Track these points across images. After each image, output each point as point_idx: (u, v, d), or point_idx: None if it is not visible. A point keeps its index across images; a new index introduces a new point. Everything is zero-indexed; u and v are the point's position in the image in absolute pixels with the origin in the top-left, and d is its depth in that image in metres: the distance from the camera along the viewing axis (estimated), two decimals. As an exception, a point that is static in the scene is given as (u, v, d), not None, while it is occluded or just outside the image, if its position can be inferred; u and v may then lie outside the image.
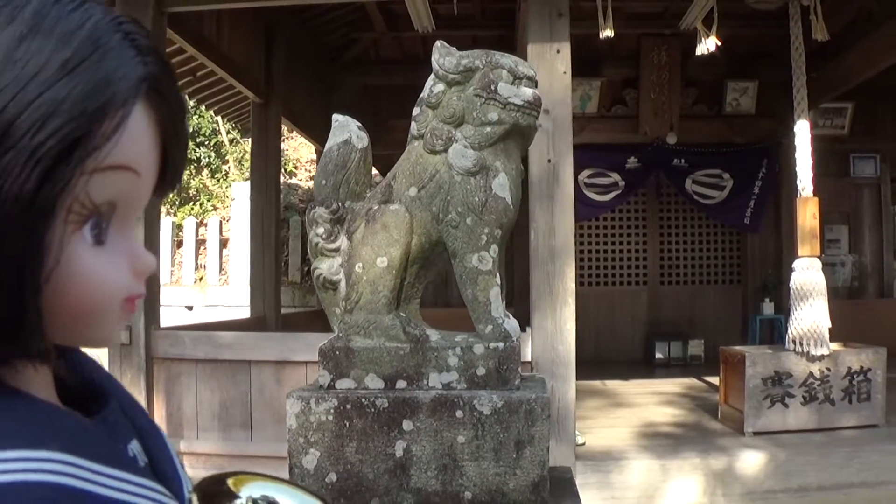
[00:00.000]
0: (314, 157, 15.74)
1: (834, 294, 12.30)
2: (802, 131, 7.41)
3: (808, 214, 7.27)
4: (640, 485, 6.39)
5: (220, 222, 15.89)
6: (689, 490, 6.39)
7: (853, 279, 13.18)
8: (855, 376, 7.23)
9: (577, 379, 10.57)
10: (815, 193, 7.34)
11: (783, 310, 12.19)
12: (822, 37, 7.40)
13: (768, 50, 12.40)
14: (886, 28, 9.18)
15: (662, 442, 7.07)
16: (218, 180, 18.02)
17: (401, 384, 3.26)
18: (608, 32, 6.86)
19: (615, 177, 12.23)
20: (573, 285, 6.35)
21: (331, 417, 3.19)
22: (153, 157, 0.77)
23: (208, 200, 17.23)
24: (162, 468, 0.87)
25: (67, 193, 0.68)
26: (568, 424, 6.27)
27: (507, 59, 3.33)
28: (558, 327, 6.25)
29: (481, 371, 3.24)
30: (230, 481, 1.11)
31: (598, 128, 12.23)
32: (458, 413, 3.14)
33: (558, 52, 6.38)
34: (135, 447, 0.86)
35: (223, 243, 15.78)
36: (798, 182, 7.40)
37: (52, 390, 0.79)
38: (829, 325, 7.18)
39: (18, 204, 0.64)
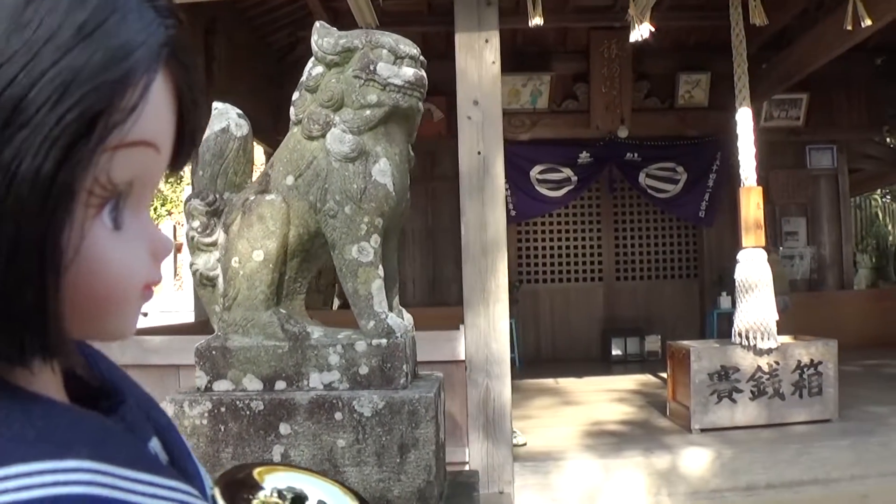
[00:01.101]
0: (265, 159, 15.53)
1: (793, 286, 12.25)
2: (744, 121, 7.28)
3: (751, 205, 7.12)
4: (581, 486, 6.20)
5: (175, 227, 15.70)
6: (631, 490, 6.21)
7: (812, 271, 13.06)
8: (805, 370, 7.06)
9: (531, 378, 10.54)
10: (758, 183, 7.18)
11: (740, 303, 12.13)
12: (760, 21, 7.24)
13: (721, 41, 12.25)
14: (835, 16, 9.03)
15: (607, 441, 6.89)
16: (172, 184, 17.80)
17: (280, 385, 3.07)
18: (537, 20, 6.66)
19: (567, 172, 12.08)
20: (506, 281, 6.15)
21: (205, 421, 3.01)
22: (171, 129, 0.70)
23: (162, 205, 17.01)
24: (182, 465, 0.82)
25: (88, 174, 0.61)
26: (504, 425, 6.08)
27: (388, 38, 3.16)
28: (492, 325, 6.04)
29: (364, 370, 3.06)
30: (254, 472, 1.13)
31: (549, 123, 12.13)
32: (338, 415, 2.95)
33: (487, 41, 6.20)
34: (155, 445, 0.80)
35: (177, 248, 15.57)
36: (741, 172, 7.23)
37: (63, 391, 0.73)
38: (777, 317, 7.00)
39: (36, 187, 0.58)
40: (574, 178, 12.10)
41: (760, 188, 7.25)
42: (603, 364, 11.98)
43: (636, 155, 12.10)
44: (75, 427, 0.65)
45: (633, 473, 6.27)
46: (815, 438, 6.64)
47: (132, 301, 0.70)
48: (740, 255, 7.13)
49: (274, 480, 1.15)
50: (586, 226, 13.15)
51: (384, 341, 3.07)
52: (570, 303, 12.96)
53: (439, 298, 12.28)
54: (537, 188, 12.04)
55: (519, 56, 12.06)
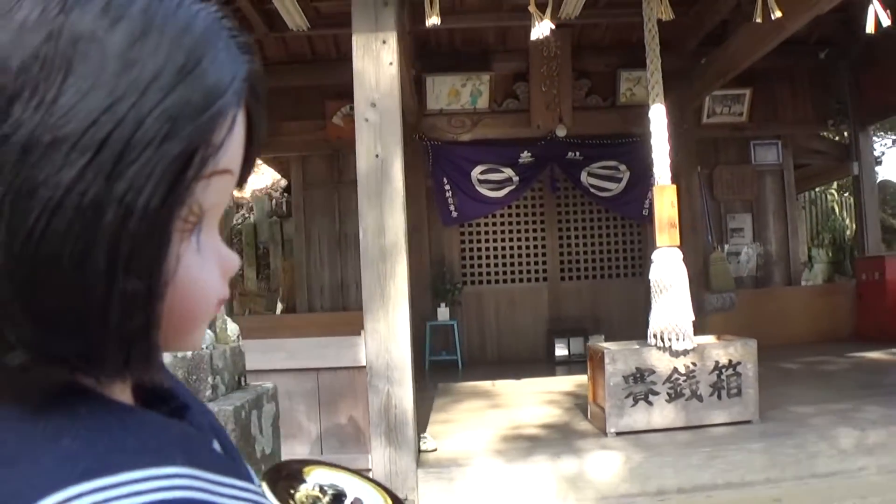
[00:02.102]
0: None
1: (739, 283, 12.19)
2: (657, 118, 7.17)
3: (665, 203, 7.02)
4: (485, 492, 6.09)
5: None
6: (538, 496, 6.11)
7: (758, 268, 12.99)
8: (723, 370, 6.96)
9: (472, 380, 10.45)
10: (673, 181, 7.08)
11: (687, 302, 12.04)
12: (665, 17, 7.12)
13: (663, 38, 12.19)
14: (766, 11, 8.96)
15: (521, 445, 6.78)
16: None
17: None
18: (434, 20, 6.55)
19: (509, 172, 12.03)
20: (406, 286, 6.04)
21: None
22: (242, 154, 0.74)
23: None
24: (239, 466, 0.83)
25: (185, 204, 0.66)
26: (406, 431, 5.99)
27: None
28: (392, 331, 5.96)
29: (168, 383, 2.91)
30: (299, 468, 1.21)
31: (490, 123, 12.07)
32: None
33: (384, 42, 6.11)
34: (217, 448, 0.81)
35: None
36: (655, 170, 7.12)
37: (132, 398, 0.77)
38: (693, 317, 6.91)
39: (146, 219, 0.62)
40: (515, 179, 12.05)
41: (674, 186, 7.15)
42: (547, 365, 11.91)
43: (578, 154, 12.03)
44: (167, 435, 0.69)
45: (540, 479, 6.17)
46: (730, 441, 6.54)
47: (209, 316, 0.75)
48: (654, 255, 7.06)
49: (317, 476, 1.22)
50: (530, 226, 13.07)
51: (189, 353, 2.95)
52: (515, 303, 12.89)
53: (348, 303, 12.19)
54: (478, 189, 11.97)
55: (458, 56, 11.97)
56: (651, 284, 7.02)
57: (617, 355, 6.91)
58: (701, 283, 12.22)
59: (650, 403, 6.88)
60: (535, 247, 13.06)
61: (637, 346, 7.15)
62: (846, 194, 18.60)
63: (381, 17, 6.13)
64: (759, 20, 7.45)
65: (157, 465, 0.63)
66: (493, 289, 12.88)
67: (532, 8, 6.87)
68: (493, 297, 12.80)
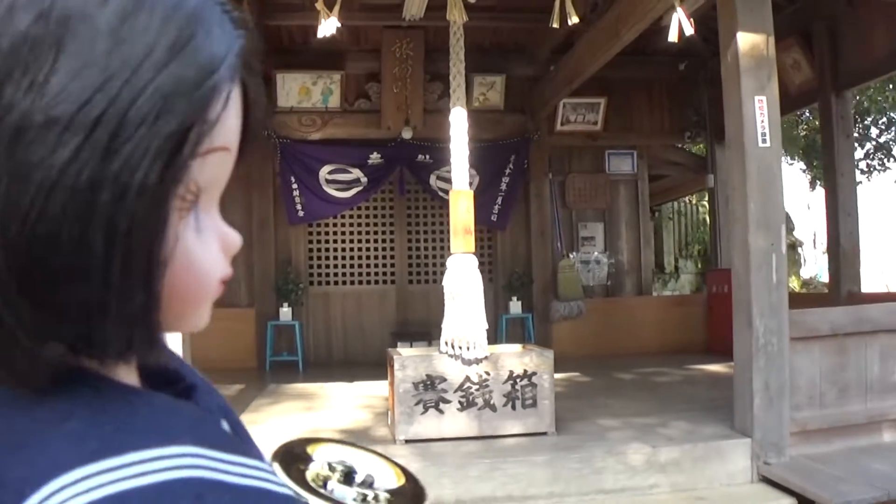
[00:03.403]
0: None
1: (589, 292, 12.18)
2: (458, 122, 7.07)
3: (460, 209, 6.92)
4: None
5: None
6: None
7: (609, 277, 12.98)
8: (518, 381, 6.87)
9: (307, 381, 10.29)
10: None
11: (534, 308, 12.00)
12: (458, 20, 7.04)
13: (518, 44, 12.19)
14: (606, 19, 8.97)
15: (304, 451, 6.58)
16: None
17: None
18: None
19: (357, 173, 11.89)
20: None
21: None
22: (239, 129, 0.74)
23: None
24: (248, 445, 0.81)
25: (182, 182, 0.65)
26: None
27: None
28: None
29: None
30: (307, 447, 1.23)
31: (340, 122, 11.99)
32: None
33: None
34: (225, 427, 0.80)
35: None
36: (452, 175, 7.03)
37: (138, 379, 0.76)
38: (486, 325, 6.81)
39: (143, 197, 0.61)
40: (364, 180, 11.91)
41: (471, 192, 7.05)
42: (388, 368, 11.67)
43: (428, 157, 11.94)
44: (175, 415, 0.69)
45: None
46: (517, 453, 6.46)
47: (211, 296, 0.74)
48: (448, 262, 6.94)
49: (323, 453, 1.22)
50: (379, 228, 12.95)
51: None
52: (362, 305, 12.75)
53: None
54: (326, 189, 11.82)
55: (312, 54, 11.82)
56: (444, 291, 6.87)
57: (407, 362, 6.80)
58: (549, 290, 12.21)
59: (441, 412, 6.77)
60: (384, 249, 12.94)
61: (429, 353, 7.00)
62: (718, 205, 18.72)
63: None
64: (555, 25, 7.34)
65: (164, 444, 0.63)
66: (340, 290, 12.74)
67: (320, 5, 6.70)
68: (340, 299, 12.66)
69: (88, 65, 0.60)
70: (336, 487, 1.20)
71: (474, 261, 6.90)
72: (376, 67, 11.87)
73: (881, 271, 24.49)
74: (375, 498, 1.22)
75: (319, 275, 12.63)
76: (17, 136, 0.59)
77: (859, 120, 16.80)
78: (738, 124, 6.55)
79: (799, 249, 17.99)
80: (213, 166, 0.70)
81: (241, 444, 0.75)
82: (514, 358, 6.94)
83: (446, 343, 6.81)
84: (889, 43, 9.54)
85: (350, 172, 11.87)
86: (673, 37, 6.89)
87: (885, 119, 16.62)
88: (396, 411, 6.73)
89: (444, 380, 6.78)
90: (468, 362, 6.79)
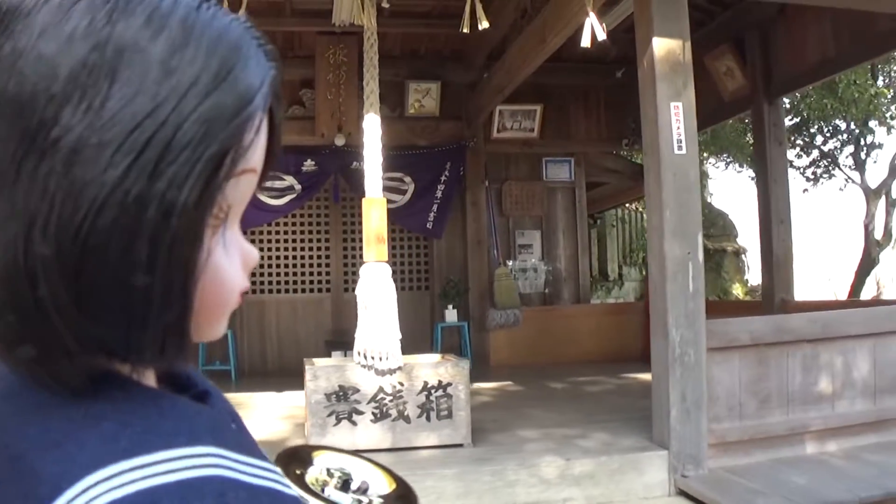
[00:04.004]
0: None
1: (526, 300, 12.09)
2: (371, 129, 6.94)
3: (373, 217, 6.82)
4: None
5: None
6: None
7: (546, 285, 12.90)
8: (433, 392, 6.74)
9: (240, 391, 10.13)
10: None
11: (470, 317, 11.89)
12: (369, 24, 6.94)
13: (452, 50, 12.10)
14: (534, 25, 8.90)
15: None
16: None
17: None
18: None
19: (290, 180, 11.74)
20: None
21: None
22: (264, 153, 0.79)
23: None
24: (256, 448, 0.83)
25: (217, 202, 0.70)
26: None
27: None
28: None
29: None
30: (307, 452, 1.34)
31: (274, 129, 11.70)
32: None
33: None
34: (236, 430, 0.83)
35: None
36: (365, 183, 6.91)
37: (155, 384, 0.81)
38: (400, 335, 6.69)
39: (185, 216, 0.66)
40: (298, 187, 11.76)
41: (384, 199, 6.96)
42: (323, 377, 11.56)
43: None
44: (197, 417, 0.73)
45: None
46: (429, 465, 6.34)
47: (232, 307, 0.79)
48: (361, 270, 6.81)
49: (324, 460, 1.28)
50: (314, 235, 12.84)
51: None
52: (298, 314, 12.63)
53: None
54: (258, 196, 11.51)
55: (246, 59, 11.66)
56: (357, 300, 6.74)
57: (319, 372, 6.67)
58: (486, 298, 12.11)
59: (354, 423, 6.65)
60: (319, 257, 12.82)
61: (342, 364, 6.86)
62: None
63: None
64: (465, 30, 7.25)
65: (189, 444, 0.67)
66: (274, 298, 12.59)
67: (241, 10, 6.55)
68: (275, 307, 12.51)
69: (140, 92, 0.64)
70: (333, 493, 1.28)
71: (388, 270, 6.79)
72: (311, 74, 11.73)
73: (828, 278, 24.64)
74: (370, 503, 1.29)
75: (254, 283, 12.44)
76: (73, 155, 0.63)
77: (805, 128, 16.83)
78: (653, 131, 6.47)
79: (743, 256, 18.00)
80: (243, 187, 0.75)
81: (251, 445, 0.80)
82: (429, 368, 6.83)
83: (359, 353, 6.67)
84: (820, 50, 9.53)
85: (283, 180, 11.72)
86: (586, 42, 6.82)
87: (829, 127, 16.62)
88: (309, 423, 6.61)
89: (358, 390, 6.65)
90: (382, 373, 6.67)
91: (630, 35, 8.68)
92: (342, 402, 6.63)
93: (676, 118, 6.40)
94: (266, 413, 8.76)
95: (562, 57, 10.72)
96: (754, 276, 20.67)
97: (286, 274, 12.70)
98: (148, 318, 0.67)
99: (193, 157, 0.66)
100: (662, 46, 6.46)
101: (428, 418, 6.75)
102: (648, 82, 6.57)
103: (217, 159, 0.67)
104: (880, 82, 15.72)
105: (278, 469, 0.80)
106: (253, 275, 12.13)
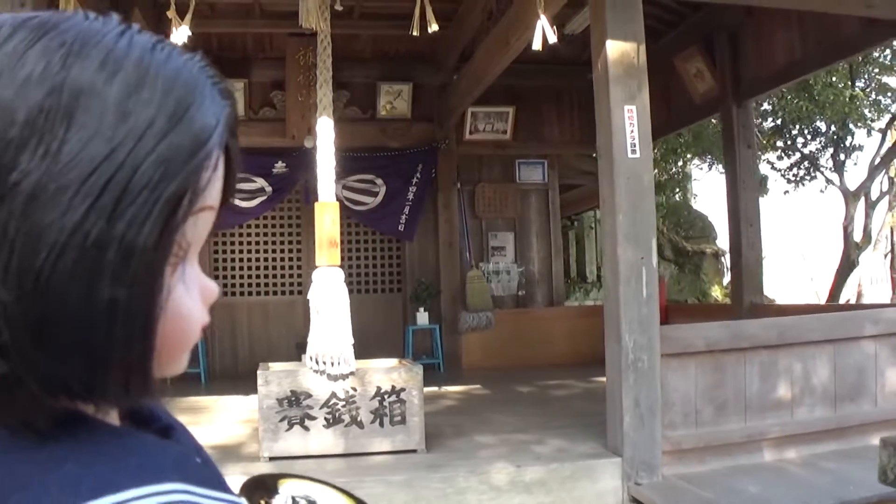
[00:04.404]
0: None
1: (501, 303, 12.04)
2: (324, 132, 6.90)
3: (325, 221, 6.75)
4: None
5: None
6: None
7: (520, 287, 12.85)
8: (386, 397, 6.68)
9: (210, 394, 10.07)
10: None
11: (442, 319, 11.84)
12: (319, 26, 6.91)
13: (424, 52, 12.05)
14: (499, 27, 8.86)
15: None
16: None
17: None
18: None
19: (261, 182, 11.70)
20: None
21: None
22: (222, 189, 0.79)
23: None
24: (221, 481, 0.81)
25: (176, 241, 0.70)
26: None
27: None
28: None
29: None
30: (272, 480, 1.31)
31: (245, 131, 11.60)
32: None
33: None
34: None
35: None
36: (318, 186, 6.87)
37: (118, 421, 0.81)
38: (352, 340, 6.64)
39: (144, 256, 0.66)
40: (268, 189, 11.73)
41: (336, 203, 6.89)
42: (293, 380, 11.52)
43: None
44: (163, 454, 0.73)
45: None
46: (379, 471, 6.29)
47: (194, 342, 0.78)
48: (314, 275, 6.76)
49: (290, 488, 1.25)
50: (285, 237, 12.79)
51: None
52: (269, 317, 12.59)
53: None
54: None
55: (217, 62, 11.55)
56: (310, 305, 6.69)
57: (270, 377, 6.61)
58: (458, 300, 12.07)
59: (307, 428, 6.59)
60: (291, 259, 12.77)
61: (295, 368, 6.81)
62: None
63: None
64: (415, 33, 7.21)
65: (156, 482, 0.66)
66: (246, 300, 12.54)
67: (171, 13, 6.51)
68: (247, 310, 12.45)
69: (97, 135, 0.64)
70: None
71: (340, 274, 6.74)
72: (281, 76, 11.71)
73: (811, 280, 24.66)
74: None
75: (225, 286, 12.39)
76: (32, 199, 0.63)
77: (787, 131, 16.79)
78: (607, 135, 6.45)
79: (722, 258, 17.93)
80: (201, 224, 0.75)
81: (216, 478, 0.79)
82: (382, 374, 6.78)
83: (312, 358, 6.62)
84: (788, 53, 9.49)
85: (254, 182, 11.68)
86: (537, 45, 6.79)
87: (810, 130, 16.57)
88: (261, 427, 6.55)
89: (310, 395, 6.59)
90: (334, 378, 6.61)
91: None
92: (294, 408, 6.57)
93: (630, 122, 6.36)
94: (229, 417, 8.70)
95: (534, 59, 10.67)
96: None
97: (258, 276, 12.64)
98: (110, 359, 0.67)
99: (152, 198, 0.66)
100: (616, 49, 6.41)
101: (381, 424, 6.70)
102: (602, 85, 6.55)
103: (175, 199, 0.68)
104: (861, 84, 15.69)
105: (243, 501, 0.83)
106: (225, 277, 12.20)
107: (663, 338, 6.42)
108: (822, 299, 19.87)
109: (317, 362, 6.60)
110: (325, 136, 6.94)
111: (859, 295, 19.47)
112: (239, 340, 12.34)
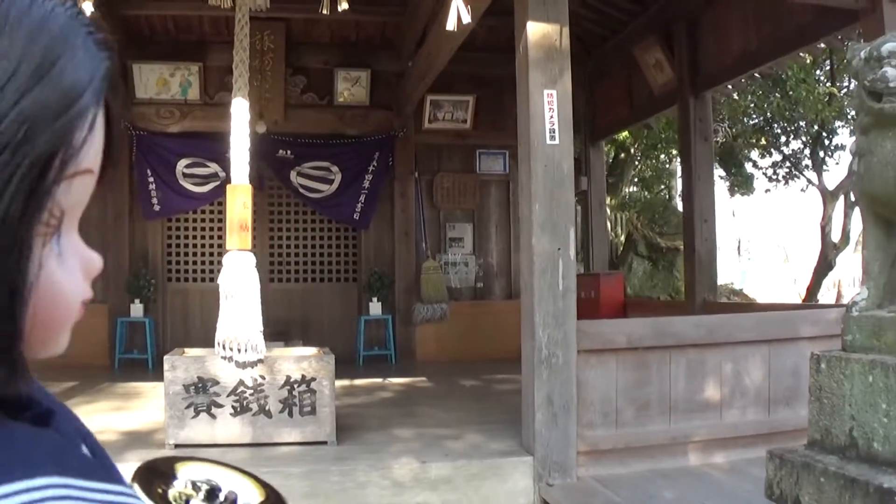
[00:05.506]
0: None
1: (455, 294, 11.87)
2: (239, 114, 6.75)
3: (236, 204, 6.59)
4: None
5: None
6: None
7: (477, 279, 12.66)
8: (295, 386, 6.52)
9: (155, 381, 9.87)
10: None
11: (396, 310, 11.67)
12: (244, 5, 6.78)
13: (382, 38, 11.88)
14: (444, 13, 8.67)
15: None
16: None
17: None
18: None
19: (215, 167, 11.56)
20: None
21: None
22: (101, 151, 0.72)
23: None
24: (108, 468, 0.77)
25: (46, 208, 0.64)
26: None
27: None
28: None
29: None
30: (168, 464, 1.19)
31: (200, 115, 11.74)
32: None
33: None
34: (86, 453, 0.76)
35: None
36: (231, 169, 6.71)
37: None
38: (262, 327, 6.48)
39: (7, 227, 0.60)
40: (222, 174, 11.55)
41: (249, 186, 6.73)
42: (241, 367, 11.38)
43: (289, 152, 11.65)
44: (37, 445, 0.66)
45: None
46: (278, 463, 6.09)
47: (73, 320, 0.72)
48: (224, 259, 6.59)
49: (188, 472, 1.18)
50: (240, 223, 12.49)
51: None
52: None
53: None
54: (182, 183, 11.51)
55: (171, 44, 11.52)
56: (220, 290, 6.51)
57: (177, 362, 6.48)
58: (413, 291, 11.90)
59: (213, 416, 6.43)
60: (245, 245, 12.51)
61: (203, 355, 6.64)
62: (624, 211, 18.49)
63: None
64: (325, 11, 7.06)
65: (28, 476, 0.61)
66: (199, 287, 12.32)
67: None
68: (199, 296, 12.19)
69: None
70: None
71: (251, 259, 6.58)
72: (238, 60, 11.51)
73: (794, 280, 24.45)
74: None
75: (178, 271, 12.28)
76: None
77: (769, 128, 16.58)
78: (525, 120, 6.24)
79: (696, 255, 17.72)
80: (77, 190, 0.68)
81: (103, 468, 0.73)
82: (292, 362, 6.62)
83: (219, 344, 6.44)
84: (743, 43, 9.27)
85: (208, 167, 11.56)
86: (451, 25, 6.58)
87: (792, 128, 16.36)
88: (167, 414, 6.41)
89: (217, 383, 6.45)
90: (242, 365, 6.45)
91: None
92: (201, 395, 6.42)
93: (550, 107, 6.16)
94: (158, 403, 8.50)
95: (495, 46, 10.50)
96: (726, 275, 20.54)
97: (210, 262, 12.41)
98: None
99: (14, 160, 0.60)
100: (537, 31, 6.21)
101: (290, 414, 6.54)
102: (522, 68, 6.35)
103: (42, 162, 0.62)
104: (845, 82, 15.45)
105: (133, 492, 0.77)
106: (177, 263, 12.03)
107: (582, 333, 6.21)
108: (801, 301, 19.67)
109: (224, 348, 6.42)
110: (239, 118, 6.80)
111: (839, 296, 19.29)
112: (191, 327, 12.15)
